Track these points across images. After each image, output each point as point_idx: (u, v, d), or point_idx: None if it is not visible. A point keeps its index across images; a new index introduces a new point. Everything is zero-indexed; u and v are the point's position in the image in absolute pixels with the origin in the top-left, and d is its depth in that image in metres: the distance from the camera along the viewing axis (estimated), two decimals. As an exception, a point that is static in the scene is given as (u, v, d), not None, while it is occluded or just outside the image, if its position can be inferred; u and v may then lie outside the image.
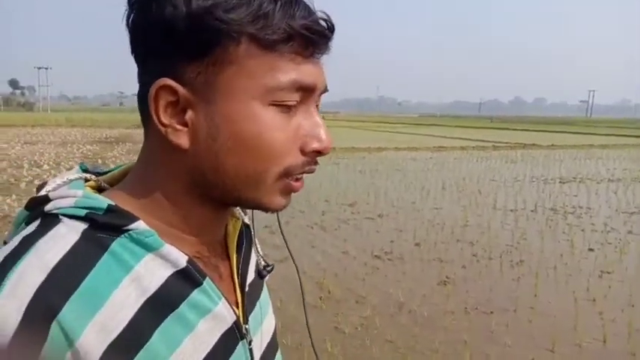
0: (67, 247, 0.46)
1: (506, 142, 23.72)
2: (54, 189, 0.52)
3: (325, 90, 0.54)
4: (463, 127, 44.49)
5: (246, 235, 0.64)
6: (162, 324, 0.50)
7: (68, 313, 0.44)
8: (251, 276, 0.64)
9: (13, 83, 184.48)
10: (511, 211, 7.95)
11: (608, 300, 4.30)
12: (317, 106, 0.54)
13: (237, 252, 0.62)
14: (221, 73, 0.48)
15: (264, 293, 0.68)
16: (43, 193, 0.51)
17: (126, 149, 17.04)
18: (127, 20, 0.50)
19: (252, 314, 0.61)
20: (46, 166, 12.24)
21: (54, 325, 0.44)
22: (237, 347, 0.57)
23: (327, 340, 3.43)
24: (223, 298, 0.55)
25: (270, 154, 0.50)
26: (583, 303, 4.21)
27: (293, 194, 0.55)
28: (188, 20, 0.46)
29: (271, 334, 0.67)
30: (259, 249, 0.69)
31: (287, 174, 0.52)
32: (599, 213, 7.90)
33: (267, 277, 0.69)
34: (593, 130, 41.45)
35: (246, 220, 0.66)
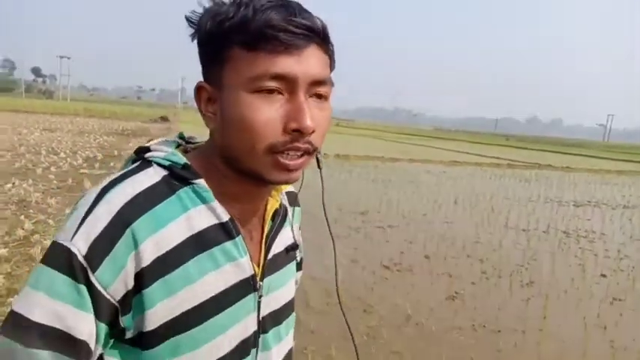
0: (150, 183, 0.65)
1: (521, 161, 23.52)
2: (155, 144, 0.71)
3: (319, 81, 0.64)
4: (478, 144, 44.20)
5: (282, 215, 0.79)
6: (198, 255, 0.66)
7: (138, 224, 0.62)
8: (279, 248, 0.78)
9: (36, 71, 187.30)
10: (523, 230, 7.87)
11: (619, 328, 4.23)
12: (319, 95, 0.65)
13: (271, 222, 0.77)
14: (223, 71, 0.64)
15: (289, 269, 0.83)
16: (148, 145, 0.71)
17: (142, 143, 17.20)
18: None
19: (269, 277, 0.76)
20: (62, 154, 12.41)
21: (128, 230, 0.62)
22: (248, 296, 0.72)
23: (333, 346, 3.43)
24: (249, 254, 0.71)
25: (252, 132, 0.62)
26: (593, 329, 4.15)
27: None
28: (205, 36, 0.65)
29: (285, 302, 0.81)
30: (295, 231, 0.85)
31: (272, 150, 0.63)
32: (612, 239, 7.79)
33: (297, 258, 0.87)
34: (610, 154, 40.91)
35: (284, 202, 0.81)
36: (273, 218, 0.77)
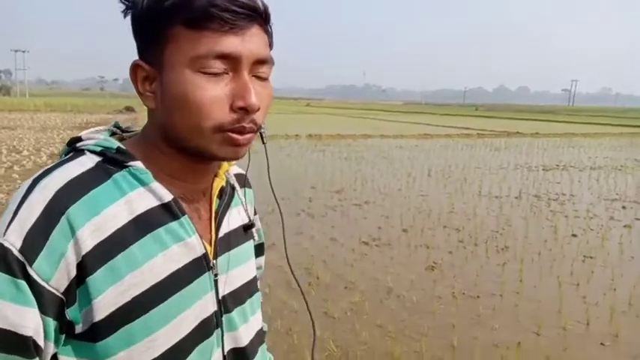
0: (83, 169, 0.63)
1: (490, 130, 23.95)
2: (87, 133, 0.70)
3: (262, 60, 0.65)
4: (448, 115, 44.74)
5: (229, 194, 0.78)
6: (142, 239, 0.64)
7: (74, 210, 0.60)
8: (231, 226, 0.77)
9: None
10: (496, 197, 8.04)
11: (591, 284, 4.39)
12: (260, 74, 0.65)
13: (219, 199, 0.76)
14: (165, 50, 0.63)
15: (247, 248, 0.81)
16: (80, 134, 0.70)
17: (108, 135, 16.72)
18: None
19: (223, 255, 0.74)
20: (25, 152, 11.97)
21: (63, 217, 0.59)
22: (203, 275, 0.70)
23: (317, 325, 3.43)
24: (197, 234, 0.69)
25: (198, 110, 0.62)
26: (567, 287, 4.29)
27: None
28: (143, 13, 0.63)
29: (245, 281, 0.79)
30: (250, 212, 0.84)
31: (220, 128, 0.63)
32: (581, 200, 8.04)
33: (255, 237, 0.86)
34: (576, 118, 42.07)
35: (232, 182, 0.80)
36: (220, 196, 0.76)
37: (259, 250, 0.91)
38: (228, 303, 0.74)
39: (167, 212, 0.66)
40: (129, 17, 0.66)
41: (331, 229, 6.00)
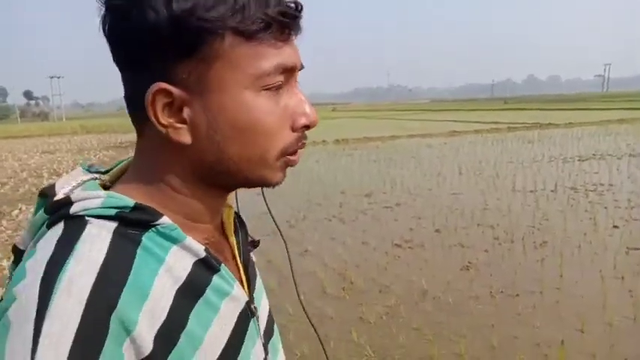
0: (107, 245, 0.48)
1: (521, 123, 23.33)
2: (71, 191, 0.53)
3: (301, 67, 0.57)
4: (476, 111, 43.91)
5: (239, 221, 0.69)
6: (195, 308, 0.53)
7: (123, 304, 0.46)
8: (249, 256, 0.69)
9: (28, 94, 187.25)
10: (531, 192, 7.83)
11: (637, 277, 4.22)
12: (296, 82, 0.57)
13: (235, 235, 0.66)
14: (211, 68, 0.50)
15: (256, 269, 0.72)
16: (61, 196, 0.52)
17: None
18: (105, 28, 0.52)
19: (255, 292, 0.66)
20: (65, 174, 12.45)
21: (113, 317, 0.45)
22: (250, 324, 0.61)
23: (353, 330, 3.43)
24: (237, 280, 0.59)
25: (267, 137, 0.54)
26: (611, 281, 4.14)
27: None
28: (171, 23, 0.48)
29: (268, 307, 0.71)
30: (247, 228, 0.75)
31: (284, 152, 0.56)
32: (621, 189, 7.73)
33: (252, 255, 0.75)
34: (610, 104, 40.58)
35: (235, 209, 0.71)
36: (234, 228, 0.67)
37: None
38: (266, 342, 0.67)
39: (206, 267, 0.55)
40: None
41: (363, 233, 5.98)
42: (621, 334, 3.27)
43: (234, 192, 0.65)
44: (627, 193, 7.37)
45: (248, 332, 0.60)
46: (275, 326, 0.72)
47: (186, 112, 0.52)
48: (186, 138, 0.52)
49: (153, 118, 0.51)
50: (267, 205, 0.79)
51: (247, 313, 0.60)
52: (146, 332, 0.47)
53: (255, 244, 0.74)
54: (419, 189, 8.52)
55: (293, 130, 0.56)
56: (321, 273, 4.58)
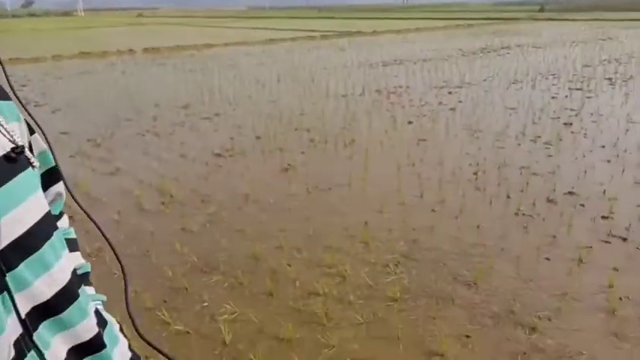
0: None
1: (334, 31, 24.33)
2: None
3: None
4: (293, 19, 44.16)
5: None
6: None
7: None
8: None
9: None
10: (342, 96, 8.37)
11: (424, 163, 4.94)
12: None
13: None
14: None
15: (21, 182, 0.56)
16: None
17: None
18: None
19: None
20: None
21: None
22: None
23: (176, 241, 3.36)
24: None
25: None
26: (405, 168, 4.77)
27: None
28: None
29: (34, 222, 0.56)
30: (15, 131, 0.59)
31: None
32: (415, 90, 8.78)
33: (36, 164, 0.60)
34: (409, 14, 44.82)
35: None
36: None
37: (50, 177, 0.71)
38: (10, 258, 0.54)
39: None
40: None
41: (180, 145, 5.73)
42: (411, 209, 3.84)
43: None
44: (419, 93, 8.40)
45: None
46: (52, 241, 0.59)
47: None
48: None
49: None
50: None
51: None
52: None
53: (9, 155, 0.55)
54: (238, 98, 8.41)
55: None
56: (137, 190, 4.30)
